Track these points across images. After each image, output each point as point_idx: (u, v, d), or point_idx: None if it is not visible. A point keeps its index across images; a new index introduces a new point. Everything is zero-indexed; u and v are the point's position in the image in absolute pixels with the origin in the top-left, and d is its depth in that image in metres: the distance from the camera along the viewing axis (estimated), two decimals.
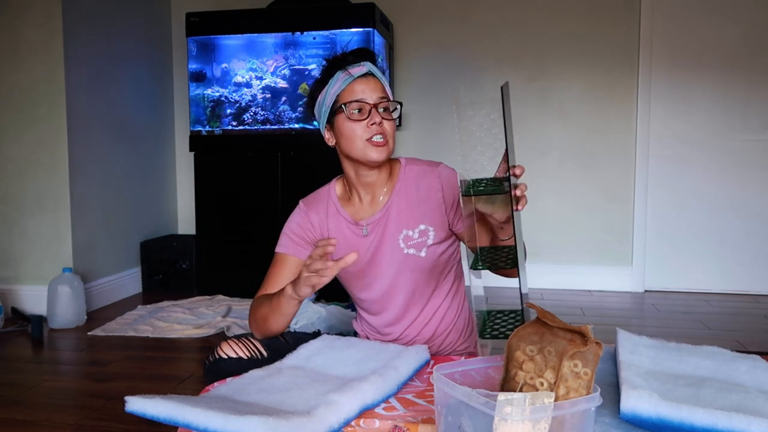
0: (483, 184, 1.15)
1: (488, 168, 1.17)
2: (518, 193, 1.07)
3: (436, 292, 1.49)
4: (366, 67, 1.40)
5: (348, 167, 1.46)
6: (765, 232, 3.61)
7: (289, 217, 1.52)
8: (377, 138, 1.37)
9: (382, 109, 1.38)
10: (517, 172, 1.09)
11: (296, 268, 1.44)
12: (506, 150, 1.05)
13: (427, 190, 1.44)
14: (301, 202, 1.53)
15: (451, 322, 1.51)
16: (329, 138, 1.46)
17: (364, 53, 1.42)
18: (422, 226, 1.44)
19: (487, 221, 1.23)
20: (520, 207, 1.07)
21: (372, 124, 1.37)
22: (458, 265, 1.54)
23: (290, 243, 1.48)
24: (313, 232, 1.49)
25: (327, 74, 1.42)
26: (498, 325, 1.12)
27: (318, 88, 1.44)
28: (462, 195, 1.13)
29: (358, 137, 1.38)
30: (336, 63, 1.42)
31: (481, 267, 1.12)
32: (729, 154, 3.62)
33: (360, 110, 1.37)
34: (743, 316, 3.19)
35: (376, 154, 1.38)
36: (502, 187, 1.11)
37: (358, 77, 1.39)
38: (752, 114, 3.58)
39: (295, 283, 1.27)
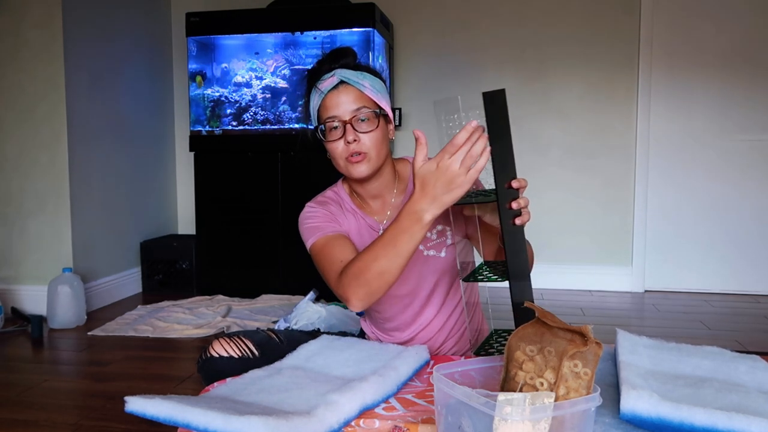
0: (473, 194, 1.12)
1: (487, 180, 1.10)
2: (514, 206, 1.03)
3: (450, 295, 1.44)
4: (337, 76, 1.31)
5: (349, 180, 1.41)
6: (765, 232, 3.61)
7: (304, 216, 1.41)
8: (355, 156, 1.30)
9: (362, 118, 1.30)
10: (514, 185, 1.04)
11: (347, 239, 1.34)
12: (493, 161, 1.02)
13: None
14: (311, 203, 1.44)
15: (463, 324, 1.47)
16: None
17: (335, 57, 1.34)
18: (439, 227, 1.39)
19: (492, 232, 1.20)
20: (517, 221, 1.03)
21: (348, 143, 1.30)
22: (472, 262, 1.49)
23: (323, 224, 1.37)
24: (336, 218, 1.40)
25: (308, 89, 1.36)
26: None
27: (306, 103, 1.38)
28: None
29: (338, 156, 1.32)
30: (311, 77, 1.36)
31: (474, 279, 1.10)
32: (729, 154, 3.62)
33: (336, 127, 1.31)
34: (743, 316, 3.19)
35: (356, 172, 1.32)
36: (489, 197, 1.07)
37: (329, 92, 1.31)
38: (752, 114, 3.58)
39: (417, 203, 1.07)
